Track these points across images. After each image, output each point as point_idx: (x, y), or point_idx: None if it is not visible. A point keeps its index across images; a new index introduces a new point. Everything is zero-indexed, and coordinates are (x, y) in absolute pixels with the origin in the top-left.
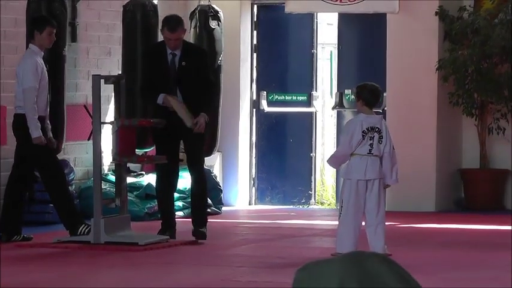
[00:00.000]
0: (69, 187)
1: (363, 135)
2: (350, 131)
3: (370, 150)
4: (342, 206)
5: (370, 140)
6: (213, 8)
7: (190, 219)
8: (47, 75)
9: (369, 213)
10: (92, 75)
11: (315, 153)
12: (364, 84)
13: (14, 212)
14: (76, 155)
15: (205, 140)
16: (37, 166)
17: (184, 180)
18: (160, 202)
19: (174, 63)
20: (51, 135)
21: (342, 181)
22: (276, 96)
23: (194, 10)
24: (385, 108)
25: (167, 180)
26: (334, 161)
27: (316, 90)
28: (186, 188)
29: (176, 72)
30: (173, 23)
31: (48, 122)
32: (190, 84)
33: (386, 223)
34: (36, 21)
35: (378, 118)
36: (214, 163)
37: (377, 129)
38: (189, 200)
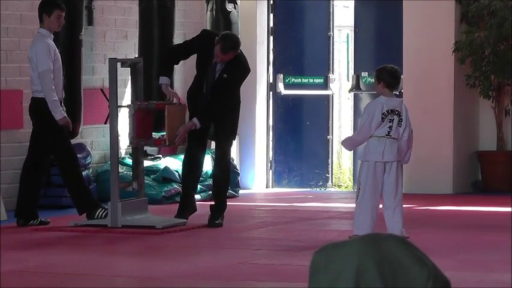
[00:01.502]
0: (86, 171)
1: (382, 118)
2: (370, 114)
3: (388, 133)
4: (359, 188)
5: (389, 122)
6: None
7: (207, 203)
8: (60, 57)
9: (387, 196)
10: (109, 58)
11: (332, 136)
12: (384, 66)
13: (30, 196)
14: (93, 138)
15: (234, 126)
16: (51, 150)
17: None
18: (182, 184)
19: (215, 68)
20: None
21: (360, 163)
22: (293, 79)
23: None
24: (402, 91)
25: (190, 163)
26: (350, 143)
27: (332, 73)
28: (203, 171)
29: (213, 79)
30: (228, 45)
31: (63, 105)
32: (220, 95)
33: (403, 205)
34: (44, 4)
35: (398, 101)
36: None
37: (397, 112)
38: (207, 183)
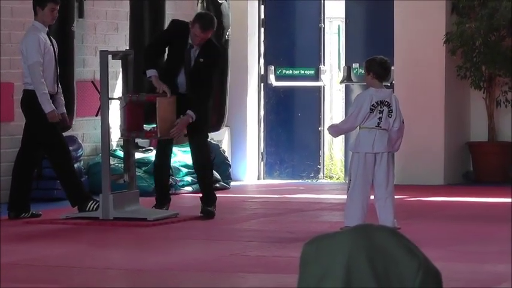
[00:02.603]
0: (78, 163)
1: (371, 109)
2: (359, 105)
3: (378, 124)
4: (350, 180)
5: (379, 113)
6: None
7: (199, 195)
8: (52, 50)
9: (378, 187)
10: (100, 51)
11: (323, 127)
12: (374, 57)
13: (22, 189)
14: (84, 131)
15: (207, 114)
16: (42, 143)
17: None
18: (155, 176)
19: (190, 55)
20: (64, 110)
21: (351, 155)
22: (284, 71)
23: None
24: (393, 82)
25: (162, 153)
26: (336, 130)
27: (324, 65)
28: None
29: (189, 65)
30: (207, 22)
31: (62, 97)
32: (198, 81)
33: (395, 196)
34: None
35: (388, 92)
36: (222, 138)
37: (386, 103)
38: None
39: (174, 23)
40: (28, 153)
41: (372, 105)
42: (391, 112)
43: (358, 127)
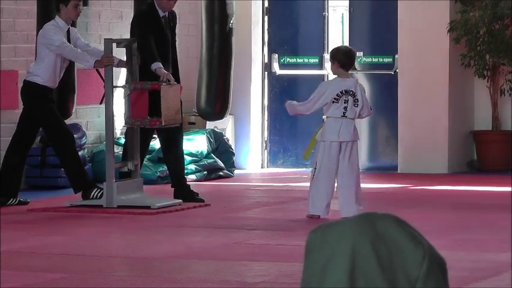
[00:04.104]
0: (82, 151)
1: (336, 98)
2: (321, 92)
3: (344, 113)
4: (315, 168)
5: (344, 103)
6: None
7: (202, 183)
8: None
9: (341, 175)
10: (104, 39)
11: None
12: (339, 47)
13: (12, 176)
14: (88, 119)
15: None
16: (46, 131)
17: (196, 143)
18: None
19: (167, 28)
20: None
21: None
22: (288, 59)
23: None
24: (397, 71)
25: (166, 143)
26: (292, 109)
27: (327, 53)
28: (198, 151)
29: (169, 37)
30: None
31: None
32: (174, 46)
33: (400, 185)
34: None
35: (352, 81)
36: (226, 126)
37: (351, 93)
38: (202, 163)
39: (140, 12)
40: (21, 141)
41: (337, 95)
42: (357, 101)
43: (325, 116)
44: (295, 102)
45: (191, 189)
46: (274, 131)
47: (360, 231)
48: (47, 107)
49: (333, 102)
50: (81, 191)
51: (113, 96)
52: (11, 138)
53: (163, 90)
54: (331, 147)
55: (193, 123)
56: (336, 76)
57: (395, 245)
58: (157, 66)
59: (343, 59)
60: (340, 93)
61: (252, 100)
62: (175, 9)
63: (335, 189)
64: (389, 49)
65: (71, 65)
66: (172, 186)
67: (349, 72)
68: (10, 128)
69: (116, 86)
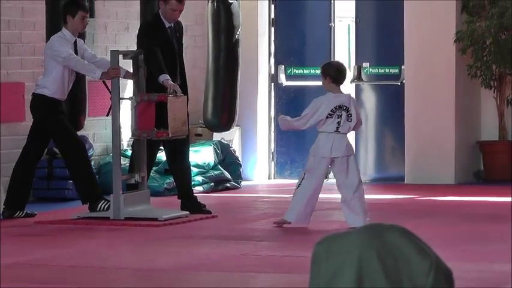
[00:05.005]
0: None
1: (331, 114)
2: (315, 108)
3: (337, 128)
4: (302, 178)
5: (338, 118)
6: None
7: (209, 194)
8: None
9: (343, 189)
10: (111, 50)
11: None
12: (329, 62)
13: (20, 188)
14: (95, 130)
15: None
16: (56, 142)
17: (203, 155)
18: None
19: (174, 38)
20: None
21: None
22: (294, 70)
23: None
24: (404, 81)
25: (172, 155)
26: (286, 124)
27: None
28: (205, 163)
29: (176, 47)
30: None
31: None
32: (181, 57)
33: (407, 196)
34: (68, 5)
35: (346, 96)
36: (233, 137)
37: (345, 108)
38: (209, 174)
39: (146, 23)
40: (30, 154)
41: (331, 110)
42: (350, 116)
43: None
44: (288, 117)
45: (198, 200)
46: (281, 142)
47: (366, 242)
48: (57, 118)
49: (327, 117)
50: (88, 203)
51: (119, 108)
52: (17, 150)
53: (170, 102)
54: (320, 162)
55: (200, 135)
56: (330, 92)
57: (402, 255)
58: (164, 78)
59: (335, 74)
60: (334, 109)
61: (259, 111)
62: (181, 20)
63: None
64: (395, 60)
65: (81, 76)
66: (179, 198)
67: (356, 83)
68: (17, 140)
69: (123, 98)
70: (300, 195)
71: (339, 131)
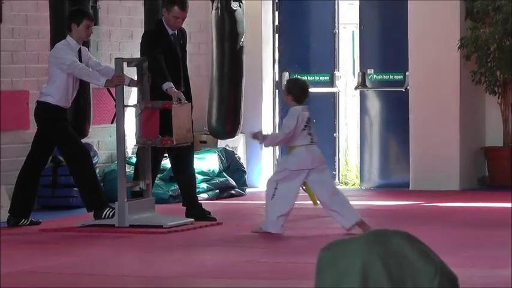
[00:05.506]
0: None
1: (305, 126)
2: (296, 118)
3: (312, 140)
4: (275, 188)
5: (309, 129)
6: None
7: (215, 202)
8: None
9: (323, 198)
10: (115, 58)
11: (338, 133)
12: (296, 79)
13: (24, 196)
14: (100, 138)
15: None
16: (61, 150)
17: (207, 162)
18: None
19: (177, 45)
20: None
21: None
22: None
23: None
24: (408, 88)
25: (176, 164)
26: (272, 141)
27: (338, 71)
28: (209, 170)
29: (180, 54)
30: (184, 0)
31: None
32: (185, 64)
33: (412, 202)
34: (73, 13)
35: (308, 110)
36: (237, 144)
37: (309, 120)
38: (214, 181)
39: (149, 31)
40: (34, 162)
41: (306, 122)
42: (311, 129)
43: (293, 145)
44: (273, 134)
45: (203, 208)
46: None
47: (371, 249)
48: (61, 126)
49: (302, 129)
50: (93, 210)
51: (124, 115)
52: (22, 158)
53: (175, 109)
54: (299, 174)
55: (205, 142)
56: (296, 105)
57: (407, 261)
58: (168, 86)
59: (299, 93)
60: (307, 121)
61: (263, 118)
62: (185, 27)
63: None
64: (400, 66)
65: (85, 84)
66: (184, 205)
67: (361, 89)
68: (21, 148)
69: (127, 105)
70: (275, 206)
71: (314, 142)
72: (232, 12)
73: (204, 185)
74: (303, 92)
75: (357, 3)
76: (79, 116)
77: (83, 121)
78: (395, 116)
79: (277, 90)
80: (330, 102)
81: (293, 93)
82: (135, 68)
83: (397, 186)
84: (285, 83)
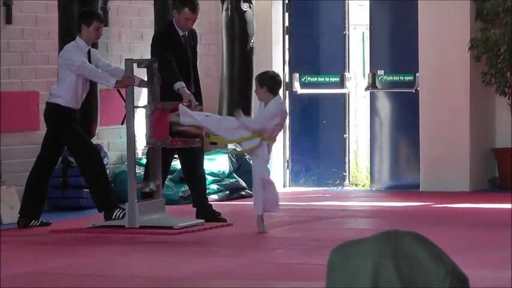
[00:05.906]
0: None
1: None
2: (274, 112)
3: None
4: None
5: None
6: None
7: (225, 203)
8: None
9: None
10: (125, 59)
11: (349, 134)
12: (265, 71)
13: (35, 197)
14: (110, 139)
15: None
16: (71, 151)
17: (217, 163)
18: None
19: (188, 47)
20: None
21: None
22: (309, 78)
23: None
24: (418, 89)
25: (186, 164)
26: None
27: (348, 72)
28: (219, 171)
29: (190, 55)
30: (194, 2)
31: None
32: (195, 65)
33: (422, 203)
34: (83, 15)
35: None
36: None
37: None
38: (224, 182)
39: (160, 32)
40: (45, 163)
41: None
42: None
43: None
44: (246, 121)
45: (213, 209)
46: (296, 150)
47: (382, 250)
48: (71, 127)
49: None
50: (104, 211)
51: (134, 116)
52: (32, 159)
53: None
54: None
55: (215, 143)
56: (268, 100)
57: (417, 262)
58: (180, 85)
59: (271, 84)
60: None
61: None
62: (196, 28)
63: (353, 210)
64: (410, 67)
65: (93, 85)
66: (194, 206)
67: (371, 90)
68: (31, 149)
69: (137, 106)
70: (257, 194)
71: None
72: (242, 13)
73: (214, 186)
74: (274, 82)
75: (367, 4)
76: (86, 117)
77: (89, 122)
78: (405, 117)
79: (287, 91)
80: (340, 103)
81: (266, 84)
82: (145, 69)
83: (407, 187)
84: (254, 79)
